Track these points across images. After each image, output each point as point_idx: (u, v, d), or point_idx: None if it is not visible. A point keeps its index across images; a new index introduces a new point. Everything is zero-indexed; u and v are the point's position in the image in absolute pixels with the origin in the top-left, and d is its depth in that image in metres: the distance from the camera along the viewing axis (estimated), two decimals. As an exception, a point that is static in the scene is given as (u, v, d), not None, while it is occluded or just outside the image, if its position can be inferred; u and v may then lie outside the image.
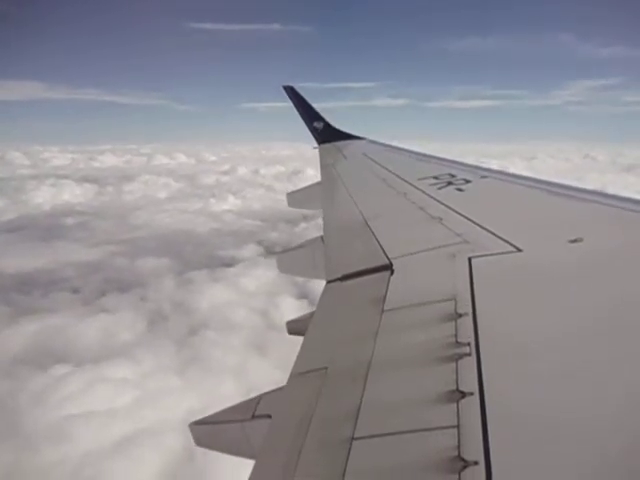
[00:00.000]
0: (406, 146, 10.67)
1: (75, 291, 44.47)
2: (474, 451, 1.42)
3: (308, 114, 14.22)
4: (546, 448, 1.39)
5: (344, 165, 9.61)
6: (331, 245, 4.50)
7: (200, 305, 39.03)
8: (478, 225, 3.69)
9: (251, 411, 2.39)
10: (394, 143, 11.57)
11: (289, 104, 14.40)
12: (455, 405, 1.64)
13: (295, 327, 3.46)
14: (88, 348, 31.86)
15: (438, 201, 4.79)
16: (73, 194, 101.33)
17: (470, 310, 2.27)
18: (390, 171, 7.33)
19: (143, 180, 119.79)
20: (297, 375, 2.36)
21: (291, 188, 10.63)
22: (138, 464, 21.42)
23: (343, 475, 1.55)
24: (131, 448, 22.29)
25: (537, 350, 1.92)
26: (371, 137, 13.27)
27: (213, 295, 40.94)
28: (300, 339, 2.84)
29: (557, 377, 1.71)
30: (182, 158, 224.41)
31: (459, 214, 4.13)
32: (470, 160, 8.29)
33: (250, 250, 56.93)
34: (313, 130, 13.85)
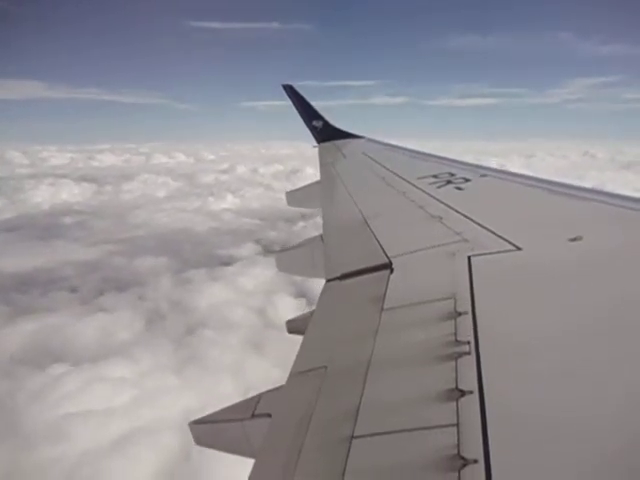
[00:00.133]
0: (405, 144, 10.69)
1: (73, 290, 44.41)
2: (474, 449, 1.42)
3: (307, 113, 14.19)
4: (546, 447, 1.39)
5: (343, 164, 9.61)
6: (330, 244, 4.49)
7: (198, 304, 39.01)
8: (477, 224, 3.69)
9: (251, 410, 2.39)
10: (393, 141, 11.58)
11: (288, 103, 14.39)
12: (455, 404, 1.64)
13: (295, 326, 3.46)
14: (86, 347, 31.84)
15: (437, 200, 4.79)
16: (72, 193, 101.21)
17: (469, 309, 2.27)
18: (389, 170, 7.33)
19: (142, 179, 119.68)
20: (297, 374, 2.36)
21: (290, 187, 10.63)
22: (135, 463, 21.42)
23: (343, 474, 1.54)
24: (128, 447, 22.29)
25: (537, 349, 1.91)
26: (370, 135, 13.27)
27: (211, 294, 40.91)
28: (298, 338, 2.84)
29: (557, 376, 1.71)
30: (181, 157, 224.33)
31: (458, 213, 4.13)
32: (469, 158, 8.30)
33: (248, 249, 56.91)
34: (312, 129, 13.83)
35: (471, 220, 3.83)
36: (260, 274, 42.92)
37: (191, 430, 2.63)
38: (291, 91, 14.42)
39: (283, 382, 2.36)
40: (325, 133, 13.57)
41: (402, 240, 3.88)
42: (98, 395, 25.78)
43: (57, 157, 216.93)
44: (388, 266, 3.27)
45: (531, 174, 5.76)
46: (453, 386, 1.73)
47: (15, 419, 23.92)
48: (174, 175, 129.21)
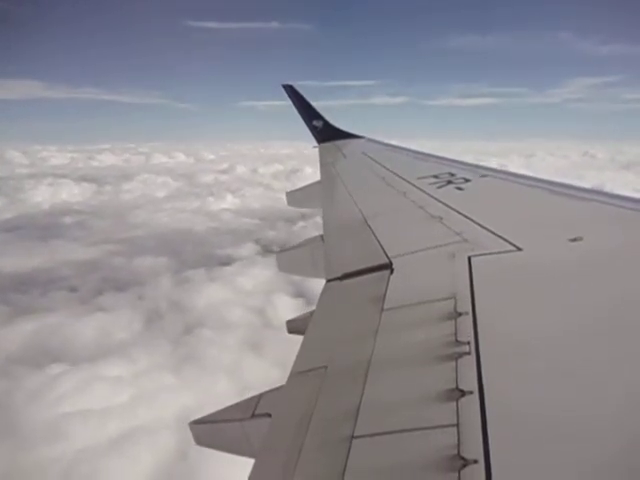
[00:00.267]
0: (405, 144, 10.69)
1: (73, 290, 44.37)
2: (474, 450, 1.42)
3: (307, 113, 14.19)
4: (546, 447, 1.38)
5: (343, 164, 9.61)
6: (331, 244, 4.49)
7: (197, 304, 38.96)
8: (478, 224, 3.69)
9: (251, 410, 2.38)
10: (393, 141, 11.58)
11: (288, 103, 14.40)
12: (455, 404, 1.64)
13: (295, 326, 3.46)
14: (85, 347, 31.81)
15: (438, 200, 4.79)
16: (71, 193, 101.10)
17: (470, 309, 2.27)
18: (390, 170, 7.33)
19: (141, 179, 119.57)
20: (297, 374, 2.35)
21: (289, 187, 10.63)
22: (133, 462, 21.42)
23: (343, 474, 1.54)
24: (126, 446, 22.28)
25: (537, 349, 1.92)
26: (370, 136, 13.28)
27: (210, 294, 40.88)
28: (297, 338, 2.83)
29: (557, 376, 1.71)
30: (181, 157, 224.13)
31: (459, 213, 4.13)
32: (469, 158, 8.31)
33: (248, 249, 56.86)
34: (312, 129, 13.83)
35: (471, 220, 3.83)
36: (259, 274, 42.93)
37: (191, 430, 2.62)
38: (291, 91, 14.41)
39: (282, 382, 2.36)
40: (325, 133, 13.57)
41: (402, 240, 3.89)
42: (96, 394, 25.77)
43: (57, 157, 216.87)
44: (388, 266, 3.27)
45: (531, 174, 5.76)
46: (453, 386, 1.73)
47: (13, 418, 23.89)
48: (174, 175, 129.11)
